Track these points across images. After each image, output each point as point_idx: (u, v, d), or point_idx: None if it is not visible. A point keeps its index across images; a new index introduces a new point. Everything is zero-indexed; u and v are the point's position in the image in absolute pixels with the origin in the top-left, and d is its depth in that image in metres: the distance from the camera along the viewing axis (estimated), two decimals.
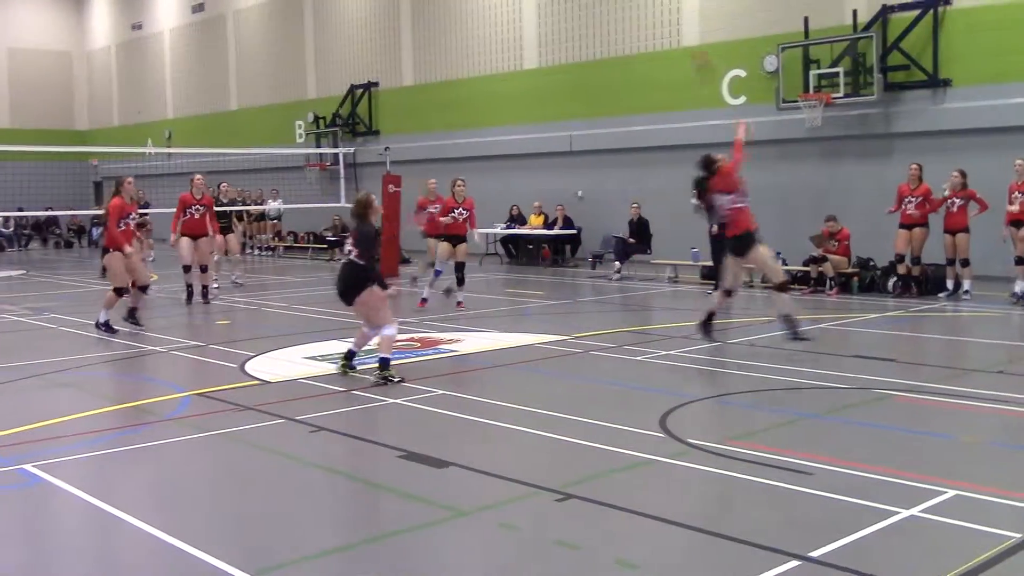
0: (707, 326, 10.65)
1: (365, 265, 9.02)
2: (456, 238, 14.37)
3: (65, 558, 5.05)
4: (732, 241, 10.41)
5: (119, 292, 12.32)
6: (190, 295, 15.30)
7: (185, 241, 15.13)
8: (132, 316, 12.64)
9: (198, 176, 15.78)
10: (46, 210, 32.01)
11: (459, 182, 14.63)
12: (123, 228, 12.40)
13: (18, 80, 38.87)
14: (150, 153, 33.26)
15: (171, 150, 33.25)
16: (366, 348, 9.49)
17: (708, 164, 10.47)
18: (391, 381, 8.78)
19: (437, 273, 14.56)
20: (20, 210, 30.56)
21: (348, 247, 9.20)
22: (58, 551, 5.16)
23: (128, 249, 12.23)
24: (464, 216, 14.42)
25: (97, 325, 12.31)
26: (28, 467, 6.33)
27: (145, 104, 37.40)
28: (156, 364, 10.44)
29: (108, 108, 39.66)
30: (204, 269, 15.47)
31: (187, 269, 15.32)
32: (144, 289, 12.82)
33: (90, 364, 10.45)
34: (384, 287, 9.08)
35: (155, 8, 36.50)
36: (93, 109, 40.50)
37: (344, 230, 25.65)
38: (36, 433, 7.36)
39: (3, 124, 38.04)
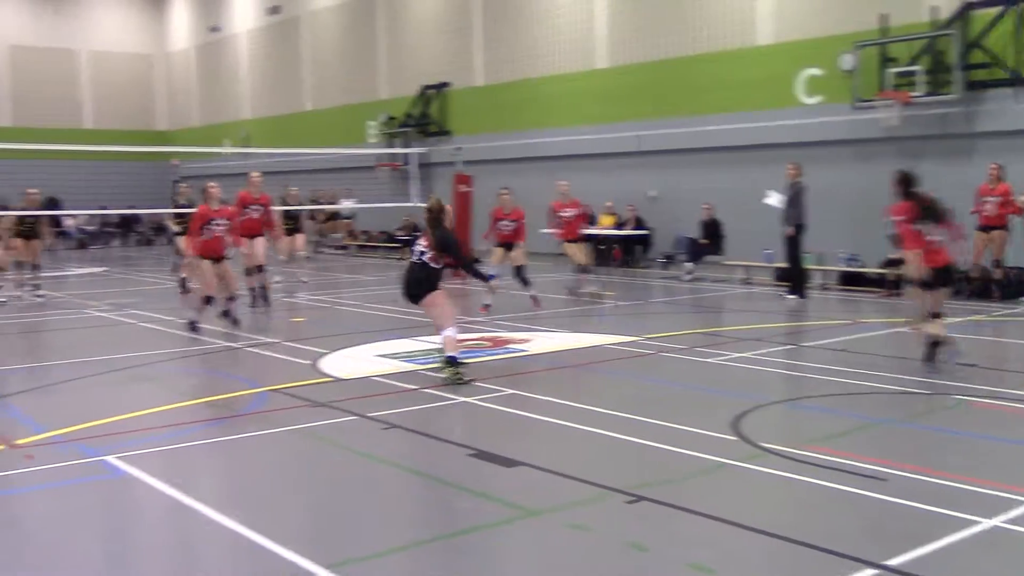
0: (933, 352, 9.54)
1: (440, 268, 9.19)
2: (508, 244, 14.47)
3: (146, 548, 5.19)
4: (939, 273, 9.53)
5: (206, 301, 12.48)
6: (254, 297, 15.05)
7: (243, 241, 14.77)
8: (227, 315, 12.73)
9: (255, 174, 15.43)
10: (128, 208, 32.84)
11: (504, 192, 14.62)
12: (207, 235, 12.49)
13: (101, 82, 39.95)
14: (227, 153, 33.90)
15: (247, 150, 33.86)
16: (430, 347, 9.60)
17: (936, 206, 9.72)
18: (460, 380, 8.84)
19: (490, 277, 14.28)
20: (103, 208, 31.42)
21: (420, 248, 9.29)
22: (139, 541, 5.30)
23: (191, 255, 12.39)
24: (510, 228, 14.46)
25: (188, 323, 12.55)
26: (111, 459, 6.51)
27: (223, 105, 38.16)
28: (233, 360, 10.65)
29: (187, 109, 40.55)
30: (260, 269, 15.11)
31: (248, 272, 15.04)
32: (232, 299, 12.79)
33: (169, 359, 10.70)
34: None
35: (232, 11, 37.21)
36: (173, 110, 41.44)
37: (415, 229, 25.88)
38: (118, 426, 7.56)
39: (87, 125, 39.16)
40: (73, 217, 31.87)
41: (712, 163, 20.96)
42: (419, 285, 9.22)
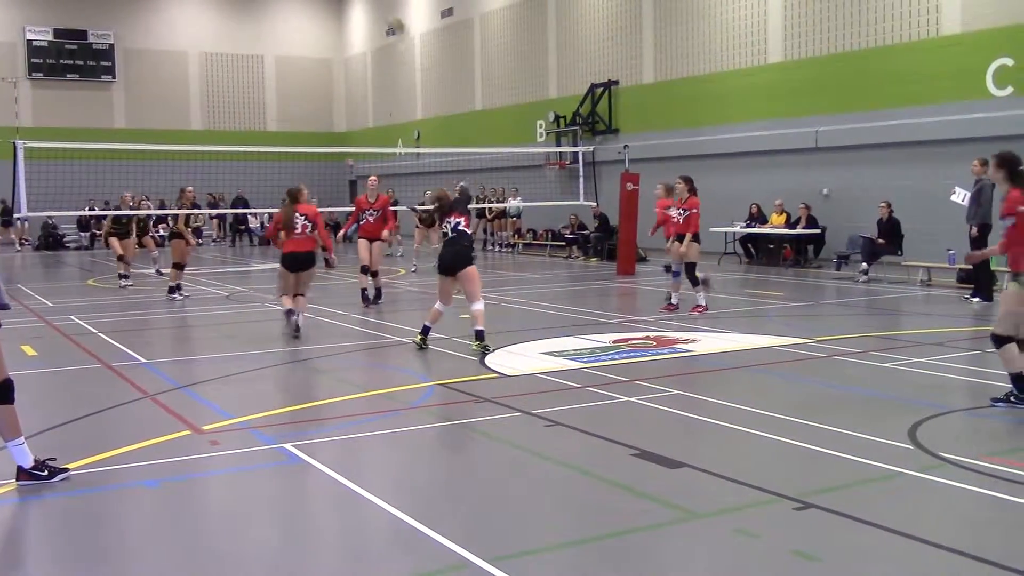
0: None
1: (472, 242, 10.86)
2: (680, 236, 13.81)
3: (317, 532, 5.40)
4: None
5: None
6: (365, 297, 15.12)
7: (363, 243, 15.09)
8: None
9: (372, 178, 15.72)
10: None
11: (677, 181, 14.04)
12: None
13: (284, 86, 41.88)
14: (400, 153, 34.90)
15: (419, 150, 34.75)
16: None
17: None
18: (487, 351, 10.22)
19: (675, 275, 14.12)
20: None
21: (454, 223, 10.63)
22: (312, 526, 5.52)
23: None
24: (683, 215, 13.78)
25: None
26: (288, 446, 6.81)
27: (396, 106, 39.29)
28: (402, 354, 10.94)
29: (363, 111, 41.98)
30: (375, 274, 15.26)
31: (364, 271, 15.17)
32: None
33: (342, 352, 11.10)
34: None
35: (407, 14, 38.25)
36: (350, 112, 42.99)
37: (582, 227, 25.94)
38: (295, 415, 7.91)
39: (270, 127, 41.12)
40: (255, 216, 33.48)
41: (892, 159, 20.10)
42: (461, 258, 10.54)
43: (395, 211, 16.76)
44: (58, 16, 37.47)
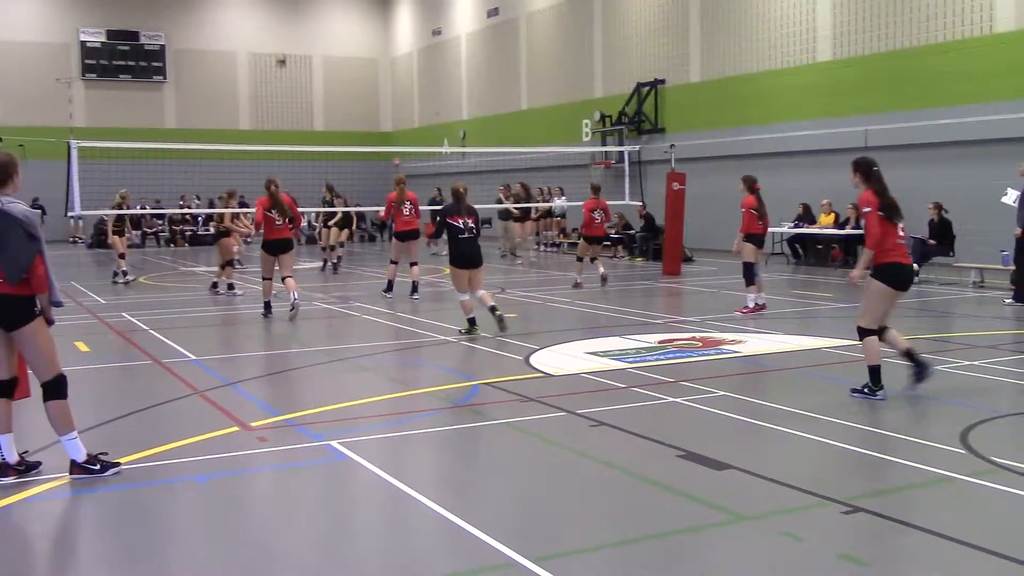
0: None
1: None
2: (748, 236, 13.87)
3: (362, 529, 5.45)
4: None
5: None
6: (415, 287, 16.14)
7: (394, 242, 16.43)
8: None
9: (400, 175, 16.79)
10: (355, 206, 34.47)
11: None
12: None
13: (331, 86, 42.20)
14: (446, 152, 35.01)
15: (465, 149, 34.84)
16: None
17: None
18: (474, 335, 11.57)
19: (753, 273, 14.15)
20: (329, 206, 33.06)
21: (465, 224, 11.75)
22: (357, 523, 5.56)
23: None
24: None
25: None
26: (334, 443, 6.87)
27: (442, 105, 39.43)
28: (447, 352, 10.98)
29: (409, 110, 42.18)
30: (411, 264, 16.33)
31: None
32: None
33: (388, 351, 11.17)
34: None
35: (453, 14, 38.38)
36: (396, 111, 43.22)
37: (628, 227, 25.83)
38: (341, 412, 7.96)
39: (317, 127, 41.46)
40: (303, 215, 33.74)
41: (944, 159, 19.78)
42: (479, 255, 11.88)
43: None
44: (111, 18, 38.10)
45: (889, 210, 8.07)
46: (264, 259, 13.97)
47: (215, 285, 17.19)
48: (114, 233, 19.42)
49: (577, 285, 17.33)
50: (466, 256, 11.83)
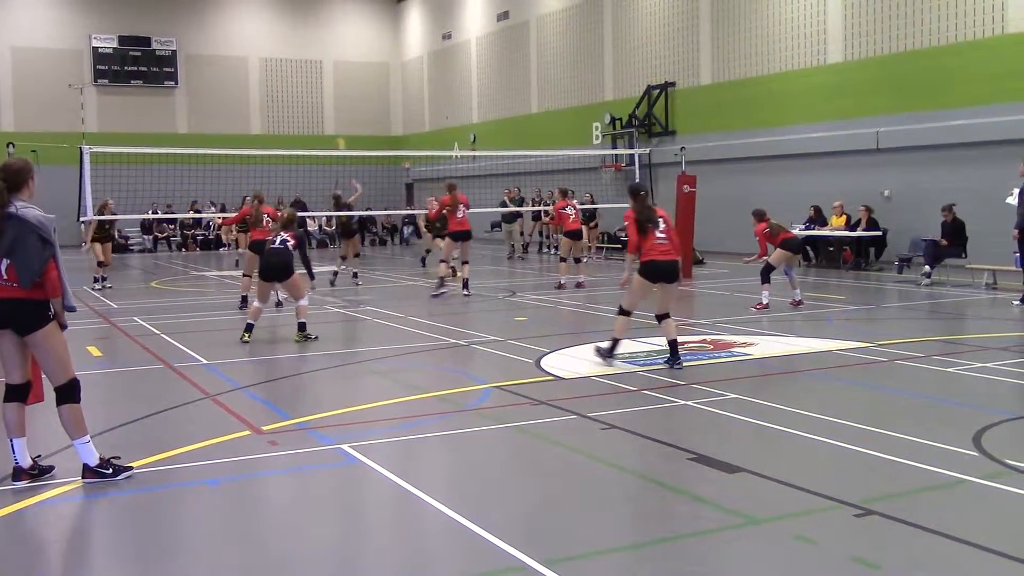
0: None
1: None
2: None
3: (374, 533, 5.45)
4: None
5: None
6: (466, 284, 16.69)
7: (448, 241, 16.92)
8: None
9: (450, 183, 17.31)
10: (366, 210, 34.53)
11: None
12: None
13: (342, 90, 42.26)
14: (456, 156, 35.03)
15: (475, 153, 34.85)
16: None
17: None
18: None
19: (787, 274, 14.78)
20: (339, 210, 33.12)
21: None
22: (369, 527, 5.57)
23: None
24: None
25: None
26: (346, 447, 6.88)
27: (452, 109, 39.45)
28: (458, 356, 10.99)
29: (420, 114, 42.22)
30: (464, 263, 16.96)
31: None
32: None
33: (399, 354, 11.18)
34: None
35: (463, 18, 38.41)
36: (407, 115, 43.27)
37: None
38: (353, 416, 7.98)
39: (328, 131, 41.52)
40: (313, 219, 33.84)
41: (957, 160, 19.71)
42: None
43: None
44: (123, 24, 38.23)
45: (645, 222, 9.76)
46: (250, 259, 15.08)
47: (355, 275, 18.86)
48: (94, 240, 19.44)
49: (560, 286, 17.79)
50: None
